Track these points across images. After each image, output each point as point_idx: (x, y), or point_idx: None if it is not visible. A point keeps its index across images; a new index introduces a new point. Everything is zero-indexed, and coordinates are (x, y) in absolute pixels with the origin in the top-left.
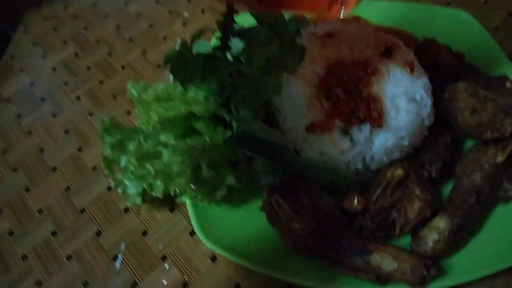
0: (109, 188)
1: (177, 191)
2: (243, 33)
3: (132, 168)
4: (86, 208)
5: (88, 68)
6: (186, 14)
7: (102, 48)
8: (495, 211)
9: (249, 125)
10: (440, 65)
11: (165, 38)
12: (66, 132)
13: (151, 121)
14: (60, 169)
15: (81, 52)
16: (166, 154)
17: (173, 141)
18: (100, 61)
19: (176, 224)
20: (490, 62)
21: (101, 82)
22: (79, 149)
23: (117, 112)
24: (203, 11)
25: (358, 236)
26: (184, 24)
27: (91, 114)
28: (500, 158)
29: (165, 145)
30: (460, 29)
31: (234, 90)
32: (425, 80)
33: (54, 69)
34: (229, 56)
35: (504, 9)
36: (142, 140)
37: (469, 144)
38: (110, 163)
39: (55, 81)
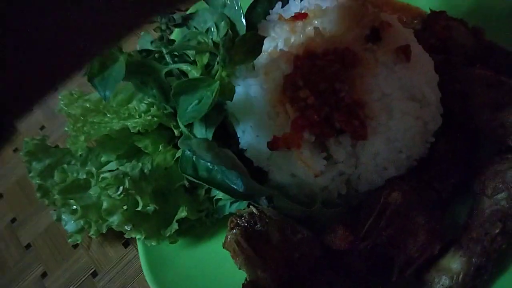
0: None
1: None
2: (185, 19)
3: (58, 202)
4: (32, 244)
5: None
6: None
7: None
8: None
9: (190, 144)
10: (451, 45)
11: None
12: (15, 150)
13: (80, 141)
14: (6, 197)
15: None
16: (93, 185)
17: (115, 166)
18: None
19: (131, 263)
20: None
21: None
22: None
23: None
24: None
25: (345, 282)
26: None
27: (42, 128)
28: None
29: (91, 174)
30: None
31: (176, 98)
32: (428, 69)
33: None
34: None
35: None
36: (68, 166)
37: (492, 149)
38: (47, 192)
39: None
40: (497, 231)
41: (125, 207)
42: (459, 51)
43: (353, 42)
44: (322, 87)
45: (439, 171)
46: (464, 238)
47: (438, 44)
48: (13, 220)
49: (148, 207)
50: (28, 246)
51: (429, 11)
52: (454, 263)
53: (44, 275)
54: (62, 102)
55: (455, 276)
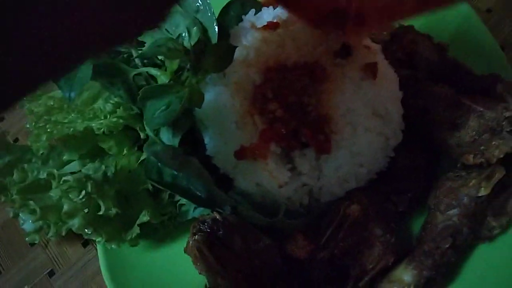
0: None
1: None
2: None
3: (16, 202)
4: None
5: None
6: None
7: None
8: (475, 255)
9: (155, 150)
10: (417, 60)
11: None
12: None
13: (42, 139)
14: None
15: None
16: (54, 187)
17: (77, 165)
18: None
19: (89, 263)
20: (480, 54)
21: None
22: None
23: None
24: None
25: None
26: None
27: (1, 119)
28: (484, 191)
29: (52, 176)
30: (445, 11)
31: (143, 102)
32: (393, 86)
33: None
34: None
35: None
36: (29, 165)
37: (449, 165)
38: (4, 189)
39: None
40: (447, 245)
41: (86, 210)
42: (423, 65)
43: (322, 56)
44: (291, 101)
45: (397, 185)
46: (416, 251)
47: (405, 58)
48: None
49: (110, 211)
50: None
51: (397, 25)
52: (406, 275)
53: None
54: (24, 98)
55: (406, 287)
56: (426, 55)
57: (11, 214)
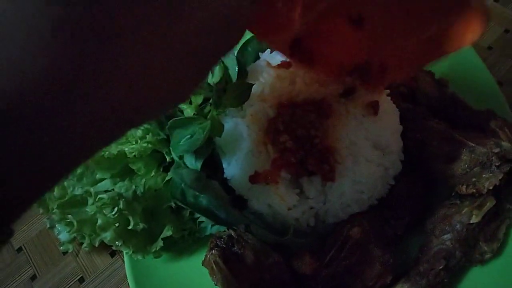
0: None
1: None
2: None
3: (55, 217)
4: (23, 247)
5: None
6: None
7: None
8: (468, 276)
9: (181, 173)
10: (418, 95)
11: None
12: None
13: None
14: None
15: None
16: (90, 203)
17: (108, 183)
18: None
19: (116, 272)
20: (478, 90)
21: None
22: None
23: None
24: None
25: None
26: None
27: None
28: (475, 219)
29: (89, 194)
30: None
31: (170, 131)
32: (393, 121)
33: None
34: None
35: (501, 25)
36: (67, 182)
37: (445, 193)
38: (43, 202)
39: None
40: (441, 267)
41: (117, 225)
42: (424, 100)
43: (329, 94)
44: (300, 133)
45: (396, 210)
46: (412, 272)
47: (406, 93)
48: None
49: (138, 226)
50: (19, 249)
51: None
52: None
53: (33, 277)
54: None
55: None
56: (426, 90)
57: (47, 225)
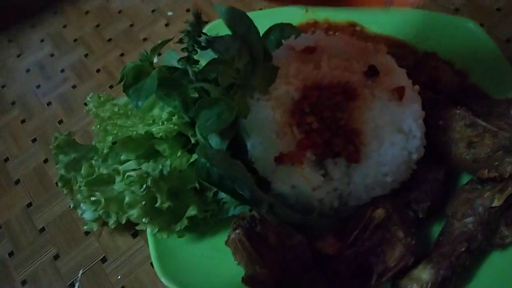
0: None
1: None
2: (210, 43)
3: (83, 194)
4: (46, 227)
5: (62, 70)
6: (170, 13)
7: (79, 49)
8: (489, 260)
9: (207, 153)
10: (439, 84)
11: (145, 39)
12: (33, 140)
13: (107, 141)
14: (23, 183)
15: (57, 52)
16: (118, 181)
17: (133, 164)
18: (76, 62)
19: (138, 252)
20: (497, 80)
21: (74, 87)
22: (45, 161)
23: (87, 121)
24: (188, 10)
25: (330, 283)
26: (167, 24)
27: (60, 122)
28: (497, 202)
29: (117, 172)
30: (466, 40)
31: (197, 112)
32: (416, 107)
33: (27, 70)
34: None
35: None
36: (94, 162)
37: (465, 179)
38: (67, 183)
39: (27, 84)
40: (463, 249)
41: (143, 203)
42: (445, 89)
43: (354, 77)
44: (326, 115)
45: (418, 194)
46: (434, 254)
47: (427, 82)
48: (29, 205)
49: (164, 204)
50: (42, 229)
51: (422, 51)
52: (424, 273)
53: (56, 257)
54: (91, 103)
55: (424, 284)
56: (447, 80)
57: (71, 205)
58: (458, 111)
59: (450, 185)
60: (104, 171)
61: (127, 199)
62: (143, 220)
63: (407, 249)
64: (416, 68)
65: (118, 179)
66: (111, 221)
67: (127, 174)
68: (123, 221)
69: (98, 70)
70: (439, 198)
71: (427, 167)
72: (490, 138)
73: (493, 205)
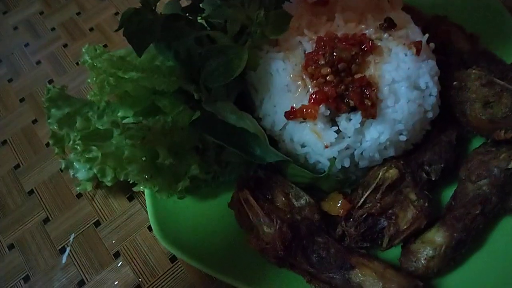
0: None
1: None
2: None
3: (78, 149)
4: (35, 190)
5: (53, 28)
6: None
7: (70, 6)
8: (501, 225)
9: (215, 106)
10: (450, 47)
11: None
12: (22, 100)
13: (104, 94)
14: (11, 143)
15: (47, 10)
16: (116, 135)
17: (131, 119)
18: (67, 21)
19: (134, 216)
20: (509, 47)
21: (65, 45)
22: (34, 121)
23: (79, 80)
24: None
25: (339, 246)
26: None
27: (50, 81)
28: None
29: (116, 124)
30: (477, 6)
31: (203, 61)
32: (432, 64)
33: (15, 28)
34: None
35: None
36: (91, 116)
37: (477, 143)
38: (59, 140)
39: (15, 41)
40: (477, 211)
41: (143, 158)
42: (456, 53)
43: (370, 29)
44: (341, 67)
45: (431, 156)
46: (448, 216)
47: (439, 45)
48: (17, 167)
49: (166, 160)
50: (31, 192)
51: (432, 15)
52: (438, 236)
53: (46, 220)
54: (87, 54)
55: (438, 247)
56: (458, 43)
57: (62, 166)
58: (474, 71)
59: (463, 148)
60: (99, 126)
61: (126, 153)
62: (144, 176)
63: (419, 212)
64: (426, 32)
65: (116, 132)
66: (108, 178)
67: (127, 126)
68: (122, 178)
69: (91, 29)
70: (452, 160)
71: (441, 129)
72: (509, 97)
73: (510, 166)
